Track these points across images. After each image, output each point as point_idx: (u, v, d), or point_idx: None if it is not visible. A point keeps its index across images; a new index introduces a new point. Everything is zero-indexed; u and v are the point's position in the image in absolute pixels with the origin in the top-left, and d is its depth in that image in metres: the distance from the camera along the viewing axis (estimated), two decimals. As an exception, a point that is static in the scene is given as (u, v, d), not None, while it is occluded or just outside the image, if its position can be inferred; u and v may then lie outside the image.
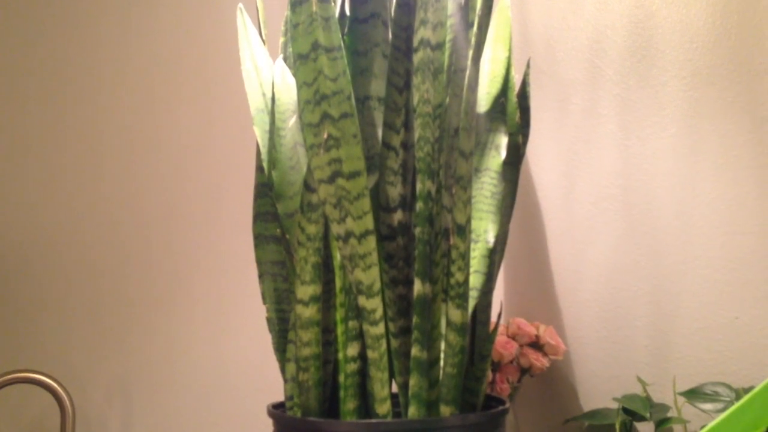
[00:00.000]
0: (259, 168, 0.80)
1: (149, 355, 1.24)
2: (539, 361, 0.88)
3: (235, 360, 1.16)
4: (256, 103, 0.78)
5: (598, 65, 0.92)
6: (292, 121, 0.77)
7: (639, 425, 0.84)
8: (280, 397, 0.80)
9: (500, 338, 0.88)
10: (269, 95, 0.77)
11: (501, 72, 0.79)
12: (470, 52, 0.69)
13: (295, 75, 0.72)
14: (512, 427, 0.89)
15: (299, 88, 0.69)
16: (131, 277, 1.28)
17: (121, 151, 1.31)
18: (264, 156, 0.77)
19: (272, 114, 0.76)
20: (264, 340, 1.03)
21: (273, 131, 0.76)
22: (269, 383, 1.10)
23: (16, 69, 1.40)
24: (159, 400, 1.23)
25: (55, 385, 1.11)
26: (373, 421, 0.69)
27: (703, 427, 0.79)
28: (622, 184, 0.90)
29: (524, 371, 0.89)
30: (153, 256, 1.27)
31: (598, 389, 0.89)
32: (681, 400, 0.79)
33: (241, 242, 1.09)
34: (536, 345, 0.89)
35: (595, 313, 0.91)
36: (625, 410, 0.81)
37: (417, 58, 0.69)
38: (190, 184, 1.24)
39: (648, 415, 0.80)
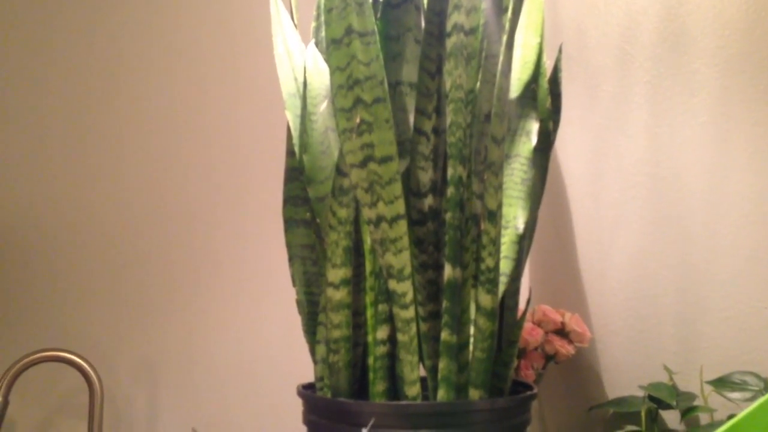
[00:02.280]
0: (290, 152, 0.80)
1: (176, 335, 1.26)
2: (564, 348, 0.88)
3: (261, 341, 1.17)
4: (288, 87, 0.79)
5: (629, 52, 0.92)
6: (324, 105, 0.77)
7: (664, 414, 0.84)
8: (305, 378, 0.81)
9: (526, 325, 0.88)
10: (301, 80, 0.78)
11: (532, 58, 0.78)
12: (503, 38, 0.68)
13: (327, 60, 0.72)
14: (536, 414, 0.89)
15: (332, 72, 0.69)
16: (158, 258, 1.29)
17: (149, 135, 1.32)
18: (295, 140, 0.77)
19: (304, 98, 0.76)
20: (290, 323, 1.04)
21: (304, 116, 0.76)
22: (295, 365, 1.11)
23: (37, 53, 1.41)
24: (185, 381, 1.24)
25: (84, 364, 1.13)
26: (403, 402, 0.70)
27: (730, 416, 0.79)
28: (651, 172, 0.90)
29: (549, 358, 0.89)
30: (181, 239, 1.28)
31: (624, 377, 0.90)
32: (708, 389, 0.79)
33: (270, 226, 1.10)
34: (562, 332, 0.90)
35: (622, 301, 0.90)
36: (651, 398, 0.81)
37: (450, 43, 0.69)
38: (220, 168, 1.25)
39: (674, 403, 0.80)
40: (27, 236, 1.42)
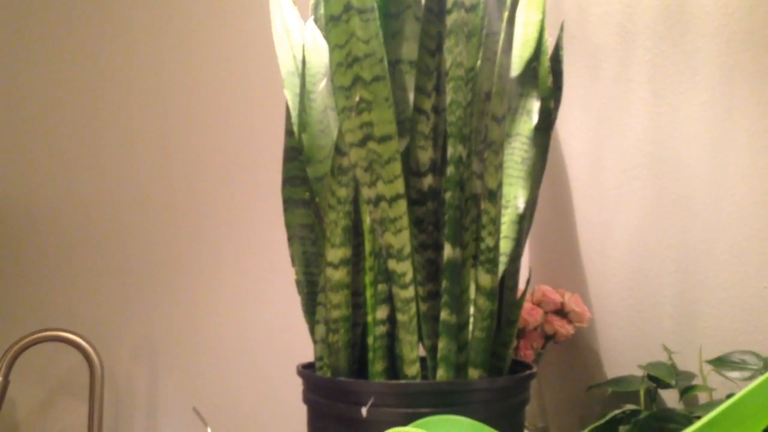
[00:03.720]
0: (289, 132, 0.79)
1: (176, 315, 1.26)
2: (564, 328, 0.88)
3: (261, 321, 1.18)
4: (287, 65, 0.78)
5: (630, 30, 0.91)
6: (323, 84, 0.76)
7: (663, 393, 0.85)
8: (304, 358, 0.81)
9: (525, 305, 0.88)
10: (300, 58, 0.77)
11: (534, 35, 0.78)
12: (505, 14, 0.68)
13: (326, 37, 0.71)
14: (535, 393, 0.89)
15: (331, 50, 0.68)
16: (159, 238, 1.29)
17: (149, 116, 1.32)
18: (294, 119, 0.77)
19: (303, 77, 0.76)
20: (290, 303, 1.04)
21: (303, 94, 0.76)
22: (295, 344, 1.11)
23: (54, 35, 1.40)
24: (185, 360, 1.25)
25: (84, 343, 1.13)
26: (403, 382, 0.70)
27: (729, 395, 0.79)
28: (652, 151, 0.89)
29: (548, 338, 0.90)
30: (181, 218, 1.28)
31: (623, 357, 0.90)
32: (707, 368, 0.80)
33: (269, 206, 1.10)
34: (561, 312, 0.90)
35: (622, 281, 0.90)
36: (650, 377, 0.81)
37: (450, 19, 0.68)
38: (219, 148, 1.24)
39: (673, 382, 0.80)
40: (29, 216, 1.41)
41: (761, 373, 0.73)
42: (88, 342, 1.13)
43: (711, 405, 0.77)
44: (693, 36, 0.87)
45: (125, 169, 1.35)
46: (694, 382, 0.81)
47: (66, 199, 1.39)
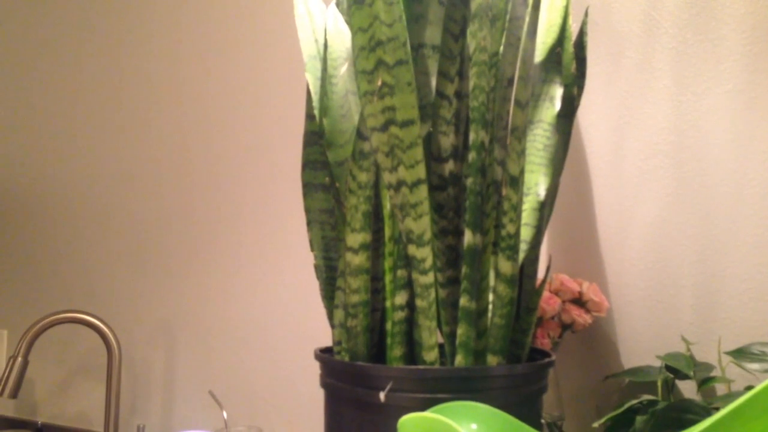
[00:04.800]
0: (309, 116, 0.79)
1: (193, 298, 1.27)
2: (582, 317, 0.88)
3: (277, 306, 1.18)
4: (309, 49, 0.78)
5: (655, 17, 0.90)
6: (344, 68, 0.76)
7: (681, 384, 0.84)
8: (322, 342, 0.82)
9: (543, 294, 0.87)
10: (322, 41, 0.77)
11: (558, 21, 0.77)
12: (530, -1, 0.67)
13: (348, 21, 0.71)
14: (552, 382, 0.89)
15: (354, 34, 0.68)
16: (177, 222, 1.30)
17: (168, 102, 1.32)
18: (315, 103, 0.76)
19: (324, 60, 0.75)
20: (307, 287, 1.04)
21: (325, 78, 0.75)
22: (311, 329, 1.12)
23: (77, 22, 1.40)
24: (202, 343, 1.26)
25: (101, 325, 1.14)
26: (421, 367, 0.70)
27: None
28: (674, 140, 0.88)
29: (566, 327, 0.89)
30: (199, 202, 1.28)
31: (641, 347, 0.89)
32: (726, 359, 0.79)
33: (289, 190, 1.10)
34: (579, 301, 0.89)
35: (641, 271, 0.90)
36: (668, 368, 0.81)
37: (475, 4, 0.68)
38: (238, 132, 1.25)
39: (691, 373, 0.79)
40: (50, 201, 1.42)
41: (782, 365, 0.73)
42: (105, 324, 1.15)
43: (730, 397, 0.76)
44: (718, 24, 0.86)
45: (143, 155, 1.35)
46: (713, 373, 0.80)
47: (87, 186, 1.40)
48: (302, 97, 0.81)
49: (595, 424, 0.79)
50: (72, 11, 1.38)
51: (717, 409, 0.70)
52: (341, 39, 0.76)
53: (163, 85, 1.32)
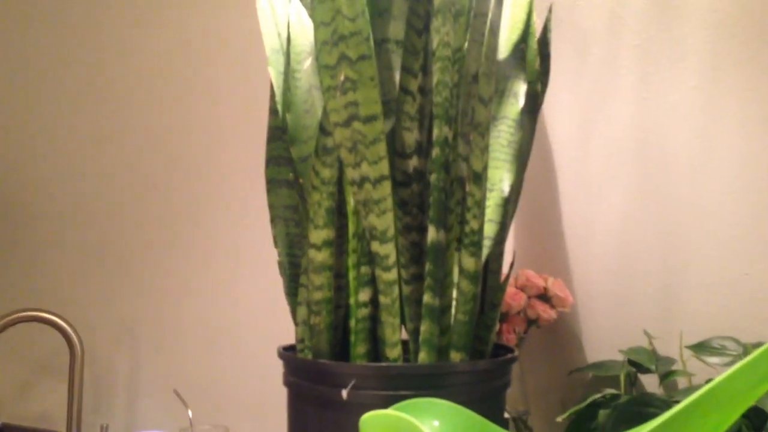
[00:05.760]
0: (273, 111, 0.78)
1: (158, 297, 1.25)
2: (546, 312, 0.89)
3: (243, 304, 1.17)
4: (272, 43, 0.77)
5: (619, 14, 0.90)
6: (308, 63, 0.75)
7: (643, 378, 0.85)
8: (286, 340, 0.81)
9: (509, 289, 0.88)
10: (285, 35, 0.76)
11: (522, 17, 0.77)
12: (493, -5, 0.67)
13: (311, 15, 0.70)
14: (517, 377, 0.90)
15: (316, 28, 0.67)
16: (140, 221, 1.28)
17: (128, 98, 1.30)
18: (278, 98, 0.75)
19: (287, 55, 0.74)
20: (271, 285, 1.03)
21: (288, 73, 0.75)
22: (277, 327, 1.11)
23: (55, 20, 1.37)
24: (167, 343, 1.24)
25: (63, 324, 1.12)
26: (384, 364, 0.70)
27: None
28: (638, 137, 0.89)
29: (531, 322, 0.90)
30: (162, 201, 1.26)
31: (604, 342, 0.90)
32: (687, 353, 0.80)
33: (252, 186, 1.08)
34: (544, 297, 0.90)
35: (605, 267, 0.91)
36: (631, 362, 0.82)
37: (438, -1, 0.67)
38: (201, 128, 1.23)
39: (653, 367, 0.80)
40: (10, 199, 1.39)
41: (740, 359, 0.74)
42: (67, 323, 1.12)
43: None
44: (681, 21, 0.87)
45: (104, 155, 1.33)
46: (675, 367, 0.81)
47: (47, 184, 1.37)
48: (266, 92, 0.80)
49: (559, 419, 0.80)
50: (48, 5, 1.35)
51: (677, 402, 0.70)
52: (304, 33, 0.75)
53: (119, 80, 1.30)
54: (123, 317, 1.26)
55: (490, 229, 0.75)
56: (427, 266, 0.69)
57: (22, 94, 1.42)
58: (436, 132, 0.69)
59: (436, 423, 0.58)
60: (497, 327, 0.78)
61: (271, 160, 0.80)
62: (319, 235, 0.71)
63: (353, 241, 0.73)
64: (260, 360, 1.13)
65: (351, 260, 0.73)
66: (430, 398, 0.58)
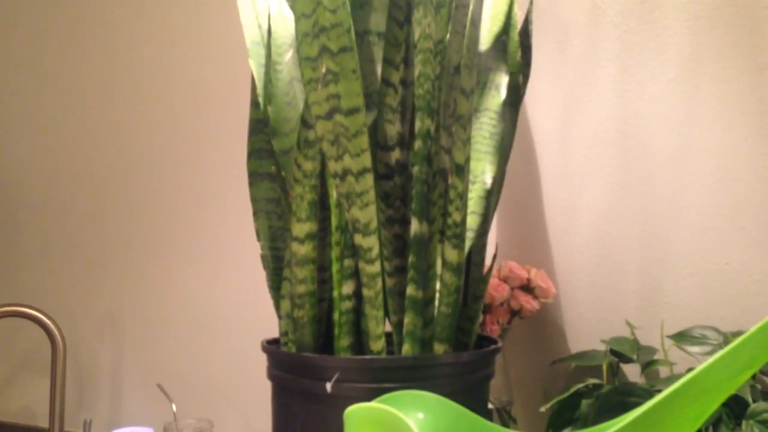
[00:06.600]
0: (254, 103, 0.78)
1: (141, 291, 1.24)
2: (529, 303, 0.89)
3: (226, 297, 1.16)
4: (252, 35, 0.76)
5: (600, 6, 0.91)
6: (289, 55, 0.75)
7: (625, 367, 0.86)
8: (270, 333, 0.81)
9: (492, 281, 0.88)
10: (265, 27, 0.75)
11: (503, 8, 0.77)
12: (474, -14, 0.67)
13: (292, 6, 0.70)
14: (501, 368, 0.90)
15: (297, 19, 0.67)
16: (121, 214, 1.27)
17: (110, 90, 1.28)
18: (260, 91, 0.75)
19: (268, 47, 0.74)
20: (256, 278, 1.03)
21: (269, 65, 0.74)
22: (261, 321, 1.10)
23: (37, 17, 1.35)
24: (150, 336, 1.23)
25: (45, 319, 1.11)
26: (368, 357, 0.70)
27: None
28: (619, 128, 0.90)
29: (514, 313, 0.90)
30: (144, 194, 1.25)
31: (587, 332, 0.91)
32: (668, 343, 0.81)
33: (235, 179, 1.08)
34: (527, 288, 0.90)
35: (587, 258, 0.91)
36: (613, 352, 0.82)
37: (419, -10, 0.67)
38: (183, 121, 1.22)
39: (635, 356, 0.81)
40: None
41: (721, 348, 0.74)
42: (49, 317, 1.11)
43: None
44: (661, 13, 0.87)
45: (84, 147, 1.31)
46: (656, 356, 0.82)
47: (26, 178, 1.36)
48: (247, 85, 0.80)
49: (543, 408, 0.80)
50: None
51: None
52: (285, 25, 0.75)
53: (99, 75, 1.28)
54: (105, 311, 1.25)
55: (472, 221, 0.75)
56: (410, 258, 0.69)
57: (0, 90, 1.40)
58: (418, 124, 0.68)
59: (420, 415, 0.58)
60: (480, 318, 0.78)
61: (253, 153, 0.79)
62: (301, 228, 0.71)
63: (336, 234, 0.72)
64: (244, 353, 1.13)
65: (334, 253, 0.73)
66: (414, 390, 0.59)
